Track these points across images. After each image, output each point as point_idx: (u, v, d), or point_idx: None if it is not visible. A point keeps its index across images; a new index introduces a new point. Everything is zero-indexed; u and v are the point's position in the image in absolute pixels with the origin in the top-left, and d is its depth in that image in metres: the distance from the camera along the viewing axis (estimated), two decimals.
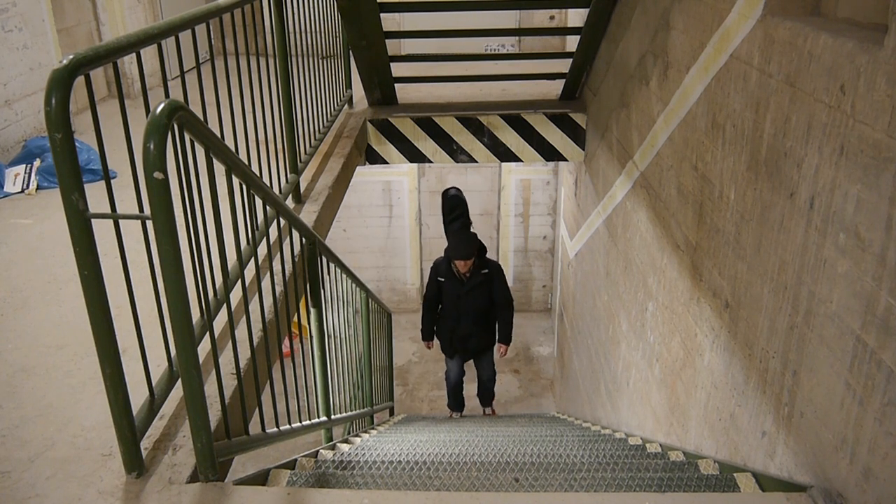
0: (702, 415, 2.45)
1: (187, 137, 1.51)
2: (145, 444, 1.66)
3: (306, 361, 2.52)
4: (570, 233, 5.87)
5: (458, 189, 5.57)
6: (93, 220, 1.37)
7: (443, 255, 5.33)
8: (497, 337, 5.50)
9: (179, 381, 1.50)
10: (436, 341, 5.69)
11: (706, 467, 2.25)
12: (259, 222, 2.30)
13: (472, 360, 5.79)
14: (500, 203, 7.96)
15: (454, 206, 5.40)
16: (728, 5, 2.17)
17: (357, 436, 3.65)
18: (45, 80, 1.28)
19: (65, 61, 1.28)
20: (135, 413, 1.55)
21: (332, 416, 2.92)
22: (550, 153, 4.82)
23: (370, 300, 4.53)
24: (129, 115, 1.52)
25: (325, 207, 3.16)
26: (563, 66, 4.59)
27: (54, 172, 1.40)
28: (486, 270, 5.18)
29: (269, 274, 2.16)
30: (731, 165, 2.17)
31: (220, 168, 1.62)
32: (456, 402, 5.95)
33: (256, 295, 2.04)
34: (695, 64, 2.50)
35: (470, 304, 5.22)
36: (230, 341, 1.77)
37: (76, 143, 1.34)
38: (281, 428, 2.08)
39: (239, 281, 1.93)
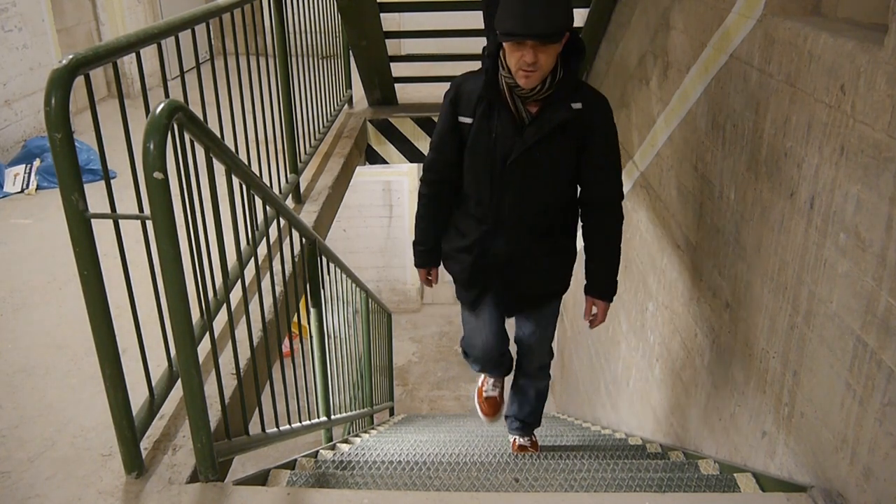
0: (702, 415, 2.45)
1: (187, 137, 1.51)
2: (145, 444, 1.66)
3: (306, 361, 2.52)
4: None
5: None
6: (93, 220, 1.37)
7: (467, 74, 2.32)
8: (588, 279, 2.37)
9: (179, 381, 1.50)
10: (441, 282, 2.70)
11: (706, 467, 2.25)
12: (259, 222, 2.30)
13: (513, 318, 2.62)
14: None
15: None
16: (728, 5, 2.17)
17: (357, 436, 3.66)
18: (44, 79, 1.28)
19: (64, 61, 1.28)
20: (135, 413, 1.55)
21: (332, 416, 2.92)
22: None
23: (370, 300, 4.53)
24: (129, 115, 1.52)
25: (325, 207, 3.16)
26: None
27: (54, 172, 1.40)
28: (580, 105, 2.11)
29: (269, 274, 2.16)
30: (731, 165, 2.17)
31: (220, 168, 1.62)
32: (494, 361, 2.67)
33: (256, 295, 2.04)
34: (695, 64, 2.50)
35: (531, 178, 2.19)
36: (230, 341, 1.77)
37: (76, 143, 1.34)
38: (281, 428, 2.07)
39: (239, 281, 1.93)
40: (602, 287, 2.36)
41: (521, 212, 2.24)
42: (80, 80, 1.32)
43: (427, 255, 2.51)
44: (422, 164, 2.43)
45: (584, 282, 2.37)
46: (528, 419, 2.88)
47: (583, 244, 2.36)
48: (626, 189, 3.56)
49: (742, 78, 2.08)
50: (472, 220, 2.34)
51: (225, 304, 1.77)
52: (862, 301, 1.44)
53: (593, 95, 2.21)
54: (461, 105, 2.23)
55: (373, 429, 4.26)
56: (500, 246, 2.30)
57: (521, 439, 2.95)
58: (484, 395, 2.95)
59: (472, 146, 2.22)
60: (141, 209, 1.46)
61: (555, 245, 2.37)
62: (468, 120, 2.21)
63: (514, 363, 2.78)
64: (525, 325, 2.62)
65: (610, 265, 2.34)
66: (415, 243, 2.53)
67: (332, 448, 2.88)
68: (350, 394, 3.77)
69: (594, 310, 2.39)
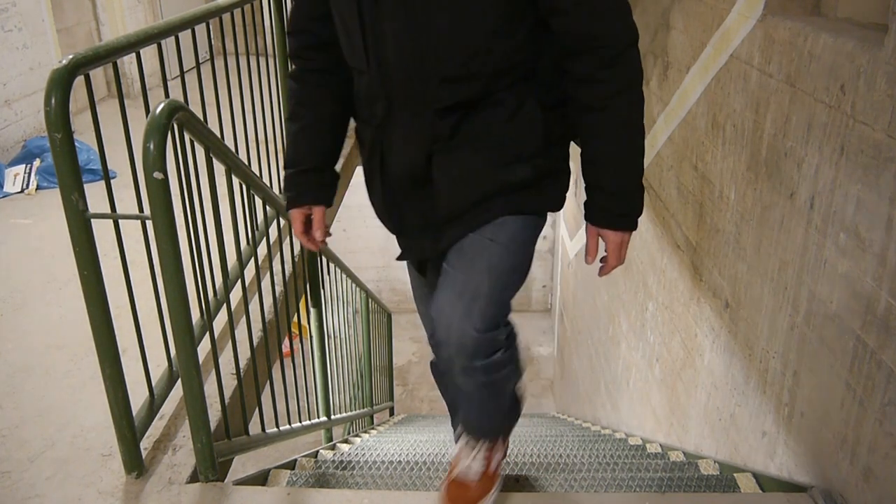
0: (702, 415, 2.45)
1: (187, 137, 1.51)
2: (145, 444, 1.66)
3: (306, 361, 2.52)
4: (570, 233, 5.86)
5: None
6: (93, 220, 1.37)
7: None
8: (587, 196, 1.33)
9: (179, 381, 1.50)
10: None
11: (706, 467, 2.25)
12: (259, 222, 2.30)
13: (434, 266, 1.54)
14: None
15: None
16: (728, 5, 2.17)
17: (357, 436, 3.66)
18: (44, 79, 1.28)
19: (64, 61, 1.28)
20: (135, 413, 1.55)
21: (332, 416, 2.92)
22: None
23: (370, 300, 4.53)
24: (129, 115, 1.52)
25: None
26: None
27: (54, 172, 1.40)
28: None
29: (269, 274, 2.16)
30: (731, 165, 2.17)
31: (220, 168, 1.62)
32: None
33: (256, 295, 2.04)
34: (695, 64, 2.50)
35: (421, 5, 1.14)
36: (230, 341, 1.77)
37: (76, 143, 1.34)
38: (281, 428, 2.08)
39: (239, 281, 1.93)
40: (605, 204, 1.33)
41: (420, 74, 1.21)
42: (80, 80, 1.32)
43: (298, 182, 1.46)
44: None
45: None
46: (476, 421, 1.55)
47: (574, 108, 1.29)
48: None
49: (742, 78, 2.08)
50: (362, 113, 1.36)
51: (225, 304, 1.77)
52: (862, 301, 1.44)
53: None
54: None
55: (373, 429, 4.26)
56: (398, 153, 1.30)
57: (477, 443, 1.54)
58: (454, 474, 1.54)
59: None
60: (141, 209, 1.46)
61: (505, 114, 1.26)
62: None
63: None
64: (446, 280, 1.36)
65: (615, 165, 1.29)
66: (284, 167, 1.49)
67: (332, 448, 2.88)
68: (350, 394, 3.77)
69: (608, 240, 1.35)
